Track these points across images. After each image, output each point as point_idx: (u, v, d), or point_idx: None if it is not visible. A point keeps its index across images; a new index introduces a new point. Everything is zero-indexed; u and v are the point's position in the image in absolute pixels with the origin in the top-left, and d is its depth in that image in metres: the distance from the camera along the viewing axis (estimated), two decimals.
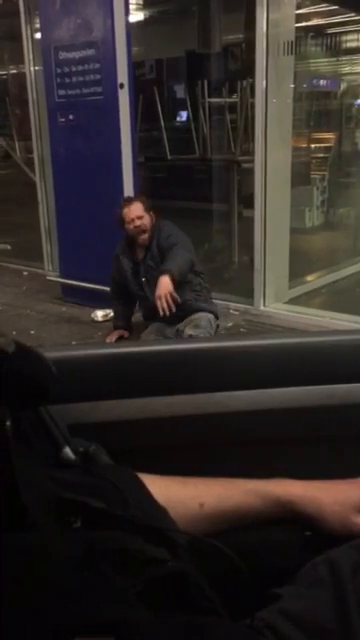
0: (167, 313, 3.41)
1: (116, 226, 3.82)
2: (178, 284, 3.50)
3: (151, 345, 1.08)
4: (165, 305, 3.39)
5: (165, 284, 3.42)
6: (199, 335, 3.49)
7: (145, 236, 3.70)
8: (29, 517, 0.49)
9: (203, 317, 3.65)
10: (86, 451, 0.70)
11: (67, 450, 0.68)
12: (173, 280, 3.44)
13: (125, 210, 3.72)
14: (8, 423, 0.52)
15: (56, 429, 0.69)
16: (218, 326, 3.86)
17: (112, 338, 3.99)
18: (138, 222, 3.67)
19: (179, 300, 3.46)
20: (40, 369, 0.65)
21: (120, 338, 3.98)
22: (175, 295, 3.42)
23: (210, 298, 3.92)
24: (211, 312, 3.76)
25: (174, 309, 3.43)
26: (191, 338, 3.18)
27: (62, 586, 0.45)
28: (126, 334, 4.02)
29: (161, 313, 3.42)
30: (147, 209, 3.72)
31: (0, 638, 0.40)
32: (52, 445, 0.68)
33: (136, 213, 3.68)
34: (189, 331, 3.55)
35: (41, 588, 0.44)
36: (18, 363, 0.58)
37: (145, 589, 0.51)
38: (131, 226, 3.69)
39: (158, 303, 3.40)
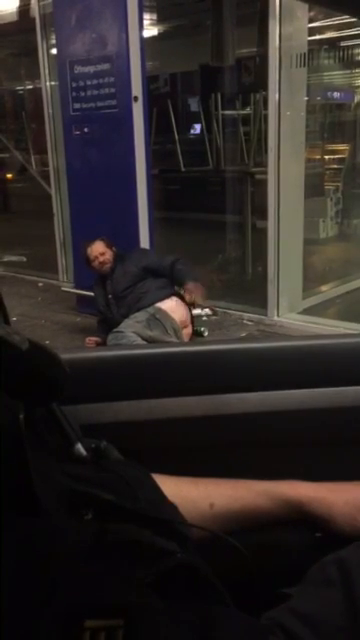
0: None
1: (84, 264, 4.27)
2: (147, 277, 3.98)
3: (160, 347, 1.09)
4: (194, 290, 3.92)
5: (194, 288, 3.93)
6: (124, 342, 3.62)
7: (107, 267, 4.12)
8: (42, 506, 0.50)
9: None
10: (97, 447, 0.71)
11: (79, 446, 0.69)
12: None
13: (88, 250, 4.18)
14: (22, 416, 0.54)
15: (68, 426, 0.70)
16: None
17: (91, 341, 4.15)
18: (101, 258, 4.13)
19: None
20: (53, 367, 0.66)
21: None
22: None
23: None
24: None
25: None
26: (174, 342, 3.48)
27: (74, 571, 0.46)
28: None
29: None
30: (108, 246, 4.16)
31: (13, 619, 0.41)
32: (64, 441, 0.69)
33: (98, 250, 4.15)
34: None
35: (53, 572, 0.45)
36: (32, 360, 0.59)
37: (156, 580, 0.52)
38: (95, 263, 4.14)
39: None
